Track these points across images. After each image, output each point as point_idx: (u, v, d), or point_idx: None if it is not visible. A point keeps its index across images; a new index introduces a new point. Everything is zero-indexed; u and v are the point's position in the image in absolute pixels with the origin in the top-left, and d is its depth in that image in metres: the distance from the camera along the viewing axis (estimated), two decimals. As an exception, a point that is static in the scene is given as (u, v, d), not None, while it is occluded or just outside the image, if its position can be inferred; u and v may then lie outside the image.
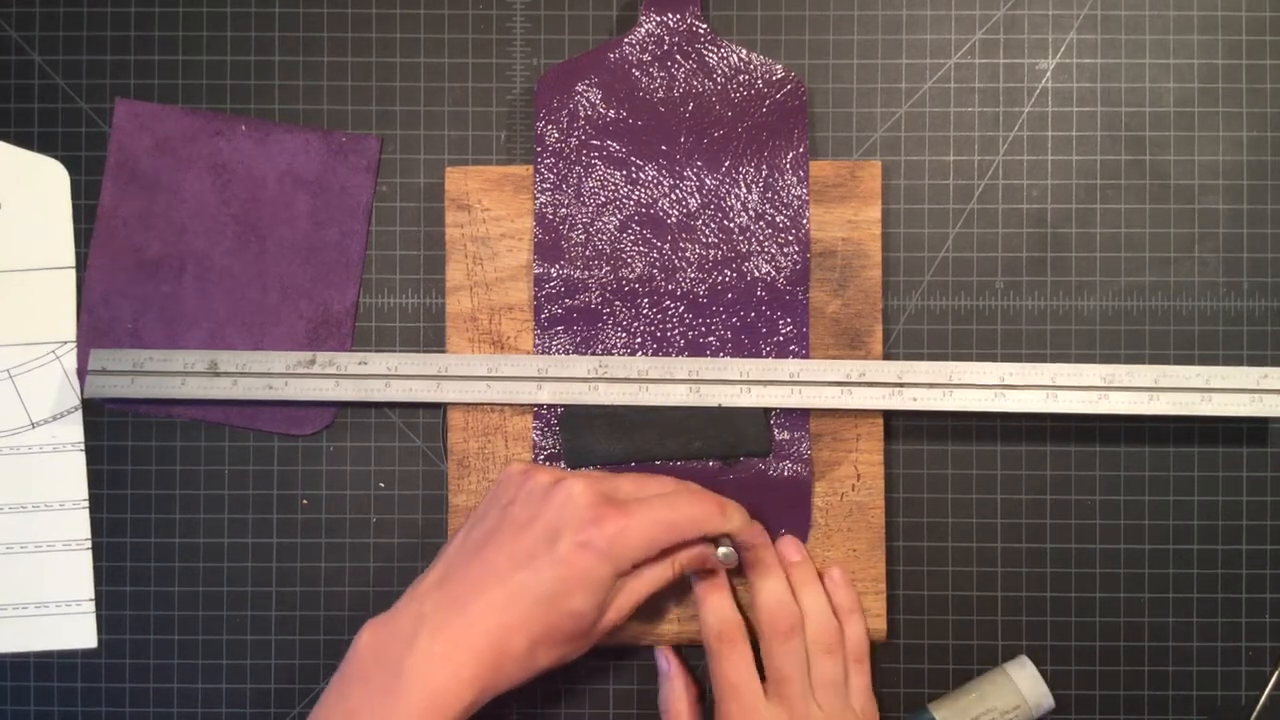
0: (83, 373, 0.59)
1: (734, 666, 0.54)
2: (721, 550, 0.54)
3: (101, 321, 0.59)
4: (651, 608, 0.57)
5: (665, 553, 0.53)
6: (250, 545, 0.59)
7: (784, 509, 0.58)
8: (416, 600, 0.50)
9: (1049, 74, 0.60)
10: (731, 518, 0.53)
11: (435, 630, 0.48)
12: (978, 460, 0.59)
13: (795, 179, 0.58)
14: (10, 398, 0.59)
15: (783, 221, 0.58)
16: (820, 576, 0.57)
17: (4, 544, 0.59)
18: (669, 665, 0.57)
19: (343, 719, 0.48)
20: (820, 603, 0.55)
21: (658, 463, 0.57)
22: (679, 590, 0.57)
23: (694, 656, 0.59)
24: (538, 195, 0.58)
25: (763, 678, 0.54)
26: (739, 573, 0.57)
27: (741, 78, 0.58)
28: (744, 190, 0.58)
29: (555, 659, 0.50)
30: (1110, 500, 0.59)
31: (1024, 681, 0.56)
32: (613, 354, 0.58)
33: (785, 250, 0.58)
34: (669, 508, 0.52)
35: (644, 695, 0.59)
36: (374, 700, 0.47)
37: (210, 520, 0.59)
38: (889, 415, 0.59)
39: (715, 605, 0.55)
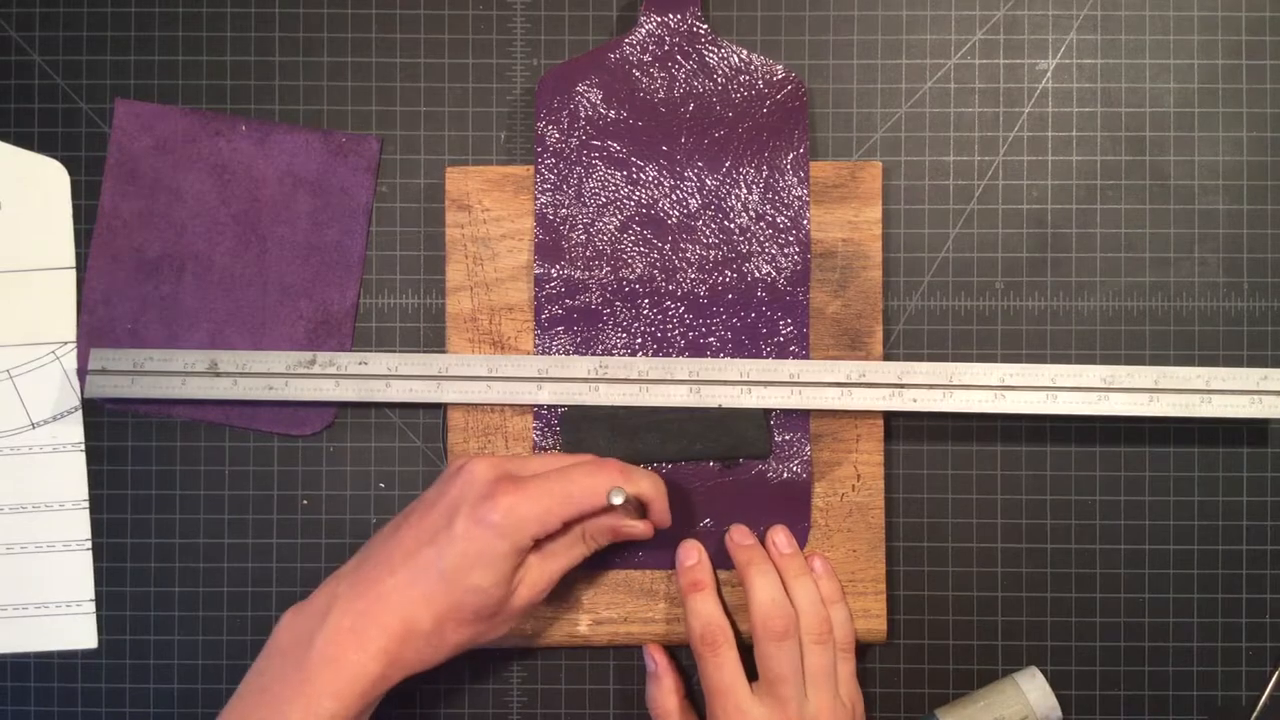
0: (83, 373, 0.59)
1: (719, 669, 0.54)
2: (612, 492, 0.51)
3: (101, 321, 0.59)
4: (645, 607, 0.58)
5: (571, 527, 0.53)
6: (250, 545, 0.59)
7: (784, 510, 0.58)
8: (333, 581, 0.51)
9: (1049, 74, 0.60)
10: (636, 483, 0.53)
11: (346, 607, 0.50)
12: (978, 461, 0.59)
13: (795, 179, 0.58)
14: (10, 398, 0.59)
15: (783, 222, 0.58)
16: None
17: (4, 544, 0.59)
18: (655, 664, 0.57)
19: (257, 694, 0.49)
20: (812, 594, 0.55)
21: (657, 465, 0.58)
22: (670, 590, 0.57)
23: (684, 656, 0.59)
24: (538, 196, 0.58)
25: (753, 676, 0.54)
26: (725, 564, 0.57)
27: (742, 78, 0.58)
28: (744, 191, 0.58)
29: (467, 638, 0.51)
30: (1110, 500, 0.59)
31: (1034, 693, 0.56)
32: (613, 354, 0.58)
33: (785, 251, 0.58)
34: (564, 480, 0.52)
35: (643, 695, 0.59)
36: (287, 675, 0.49)
37: (210, 520, 0.59)
38: (889, 416, 0.59)
39: (698, 608, 0.55)
